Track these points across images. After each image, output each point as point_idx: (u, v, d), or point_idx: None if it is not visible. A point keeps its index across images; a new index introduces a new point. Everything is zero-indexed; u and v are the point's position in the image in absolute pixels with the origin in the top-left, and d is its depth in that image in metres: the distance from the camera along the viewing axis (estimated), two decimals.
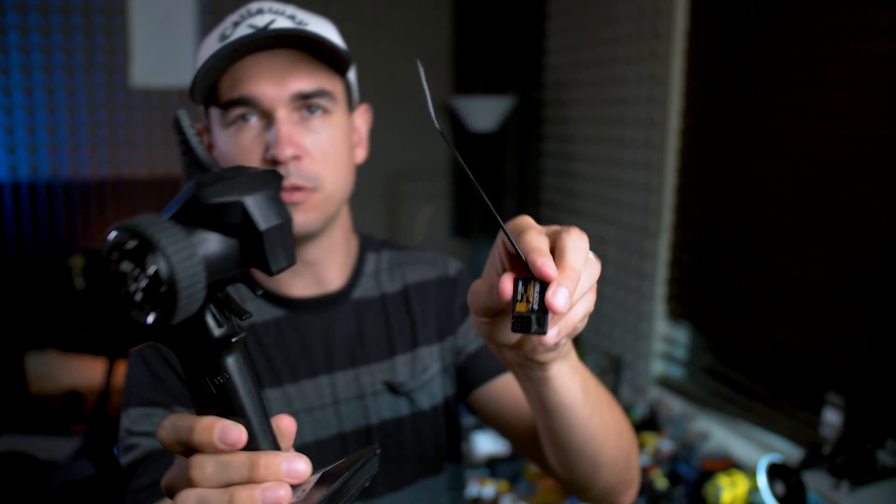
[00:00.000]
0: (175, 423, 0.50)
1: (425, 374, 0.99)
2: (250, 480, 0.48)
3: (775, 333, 2.09)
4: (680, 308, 2.50)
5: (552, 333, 0.53)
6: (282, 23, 0.89)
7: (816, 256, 1.95)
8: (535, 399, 0.70)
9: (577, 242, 0.54)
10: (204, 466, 0.48)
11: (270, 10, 0.90)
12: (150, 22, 3.15)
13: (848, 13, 1.85)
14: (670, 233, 2.50)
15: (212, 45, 0.90)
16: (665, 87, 2.44)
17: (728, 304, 2.26)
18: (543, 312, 0.52)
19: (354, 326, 0.98)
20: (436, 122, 0.53)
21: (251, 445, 0.49)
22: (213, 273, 0.43)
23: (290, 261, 0.46)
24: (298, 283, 0.97)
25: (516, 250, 0.54)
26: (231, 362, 0.47)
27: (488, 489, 2.08)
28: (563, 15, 3.06)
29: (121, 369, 2.64)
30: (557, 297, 0.51)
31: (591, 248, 0.56)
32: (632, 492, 0.88)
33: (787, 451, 2.04)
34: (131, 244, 0.41)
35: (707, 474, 2.00)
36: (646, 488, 2.04)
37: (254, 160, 0.88)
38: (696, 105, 2.37)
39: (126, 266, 0.41)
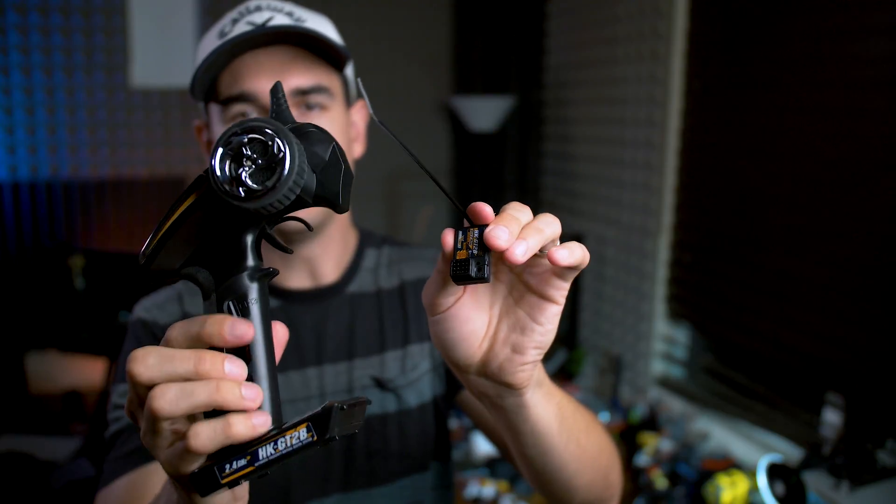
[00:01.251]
0: (187, 323, 0.51)
1: (415, 371, 0.99)
2: (196, 373, 0.49)
3: (775, 333, 2.09)
4: (680, 308, 2.49)
5: (520, 249, 0.50)
6: (280, 20, 0.90)
7: (816, 256, 1.95)
8: (509, 430, 0.67)
9: (515, 203, 0.54)
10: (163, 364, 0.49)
11: (269, 8, 0.91)
12: (150, 22, 3.15)
13: (848, 13, 1.85)
14: (670, 233, 2.50)
15: (211, 41, 0.91)
16: (665, 87, 2.44)
17: (728, 304, 2.26)
18: (483, 254, 0.51)
19: (347, 320, 0.98)
20: (374, 115, 0.56)
21: (253, 376, 0.51)
22: (301, 187, 0.50)
23: (348, 207, 0.53)
24: (293, 276, 0.97)
25: (455, 204, 0.54)
26: (259, 290, 0.53)
27: (488, 489, 2.08)
28: (563, 15, 3.06)
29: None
30: (496, 231, 0.50)
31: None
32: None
33: (787, 451, 2.04)
34: (268, 128, 0.49)
35: (707, 474, 2.00)
36: (646, 488, 2.04)
37: None
38: (696, 105, 2.37)
39: (250, 145, 0.49)
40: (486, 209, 0.52)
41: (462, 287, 0.57)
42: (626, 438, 2.30)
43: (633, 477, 2.11)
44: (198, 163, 3.23)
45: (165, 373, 0.49)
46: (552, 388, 0.67)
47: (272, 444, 0.49)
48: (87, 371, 2.84)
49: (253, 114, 0.88)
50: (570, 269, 0.54)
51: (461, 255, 0.52)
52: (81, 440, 2.49)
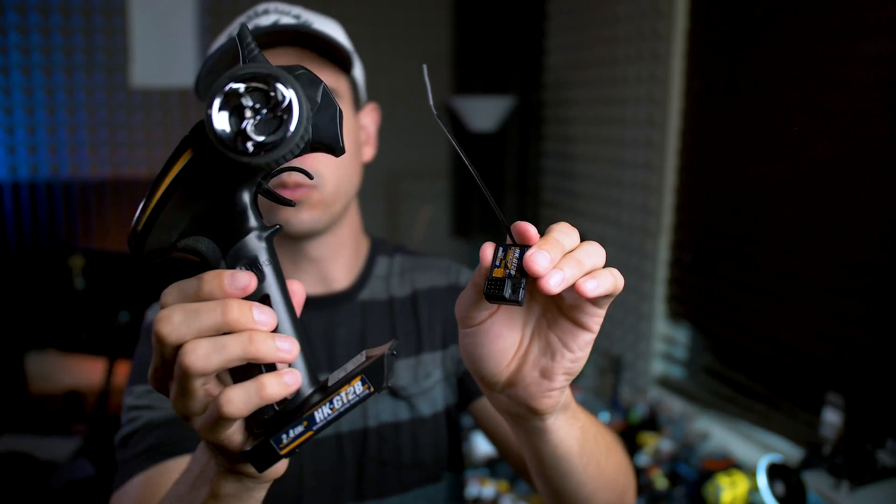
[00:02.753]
0: (181, 283, 0.49)
1: (427, 380, 0.98)
2: (226, 323, 0.47)
3: (775, 333, 2.08)
4: (680, 308, 2.49)
5: (555, 280, 0.48)
6: (286, 22, 0.90)
7: (816, 256, 1.95)
8: (528, 448, 0.66)
9: (564, 226, 0.53)
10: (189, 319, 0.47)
11: (276, 11, 0.92)
12: (150, 22, 3.15)
13: (848, 13, 1.85)
14: (670, 233, 2.50)
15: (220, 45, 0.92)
16: (665, 87, 2.44)
17: (728, 304, 2.26)
18: (520, 277, 0.50)
19: (358, 327, 0.97)
20: (441, 125, 0.54)
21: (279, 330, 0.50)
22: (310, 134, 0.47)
23: (344, 149, 0.50)
24: (304, 281, 0.96)
25: (501, 220, 0.53)
26: (268, 250, 0.50)
27: (488, 489, 2.08)
28: (563, 15, 3.06)
29: (121, 369, 2.64)
30: (536, 256, 0.48)
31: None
32: None
33: (787, 451, 2.03)
34: (270, 76, 0.45)
35: (707, 474, 2.00)
36: (646, 488, 2.04)
37: None
38: (696, 105, 2.37)
39: (251, 96, 0.45)
40: (530, 230, 0.51)
41: None
42: (626, 438, 2.30)
43: (633, 477, 2.10)
44: None
45: (193, 329, 0.46)
46: (577, 410, 0.66)
47: (327, 404, 0.47)
48: (87, 371, 2.84)
49: None
50: (605, 297, 0.53)
51: (498, 272, 0.51)
52: (81, 440, 2.50)
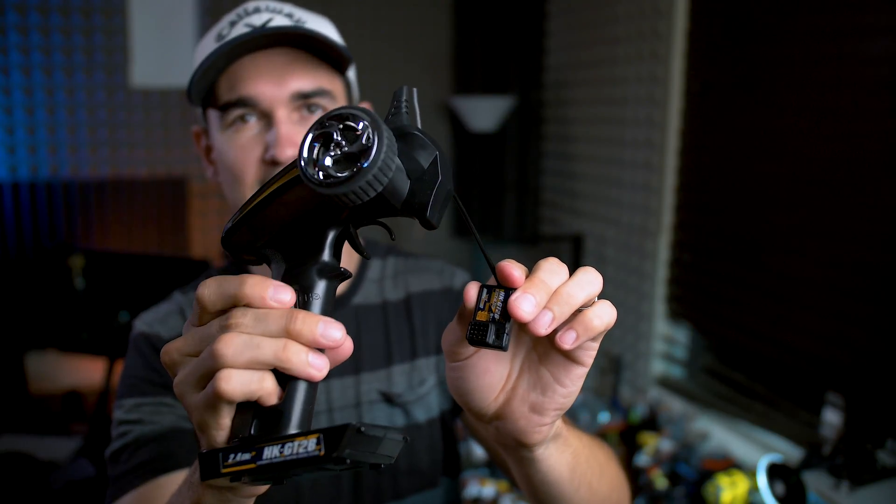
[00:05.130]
0: (222, 279, 0.49)
1: (422, 386, 0.97)
2: (286, 331, 0.47)
3: (775, 333, 2.08)
4: (680, 308, 2.49)
5: (543, 321, 0.47)
6: (280, 21, 0.88)
7: (816, 256, 1.95)
8: (519, 475, 0.65)
9: (551, 264, 0.51)
10: (245, 314, 0.47)
11: (268, 9, 0.89)
12: (150, 22, 3.15)
13: (847, 13, 1.85)
14: (670, 233, 2.50)
15: (209, 45, 0.89)
16: (665, 87, 2.44)
17: (728, 304, 2.26)
18: (504, 321, 0.48)
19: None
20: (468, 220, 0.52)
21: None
22: (386, 187, 0.48)
23: (438, 223, 0.50)
24: None
25: (486, 259, 0.52)
26: (325, 288, 0.51)
27: (488, 489, 2.08)
28: (563, 15, 3.06)
29: (121, 369, 2.63)
30: (521, 301, 0.47)
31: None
32: None
33: (787, 451, 2.03)
34: (362, 117, 0.47)
35: (707, 474, 2.00)
36: (646, 488, 2.04)
37: (253, 161, 0.86)
38: (696, 105, 2.37)
39: (342, 132, 0.47)
40: (514, 272, 0.49)
41: None
42: (626, 438, 2.30)
43: (633, 477, 2.11)
44: (198, 163, 3.22)
45: (259, 330, 0.47)
46: (569, 436, 0.64)
47: (279, 446, 0.46)
48: (87, 371, 2.84)
49: (252, 118, 0.86)
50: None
51: (482, 315, 0.49)
52: (81, 440, 2.49)
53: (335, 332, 0.47)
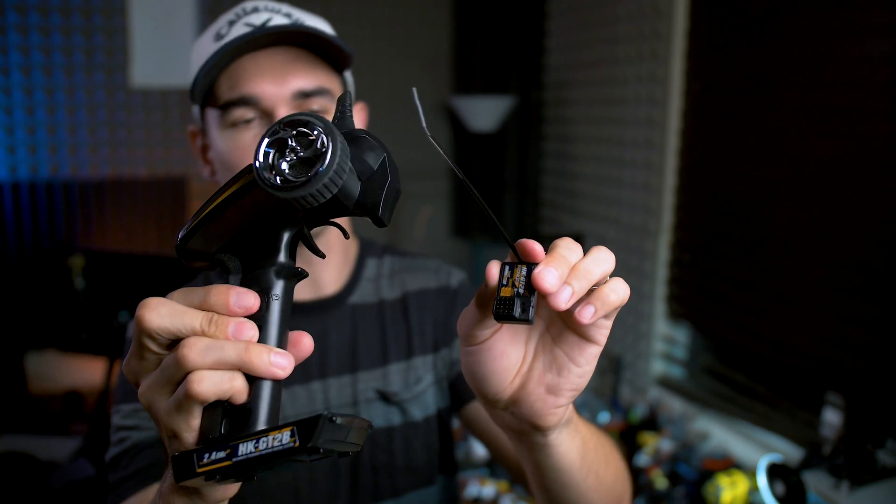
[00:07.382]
0: (188, 288, 0.51)
1: (419, 384, 0.97)
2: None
3: (775, 333, 2.08)
4: (680, 308, 2.49)
5: (564, 295, 0.49)
6: (279, 20, 0.88)
7: (817, 257, 1.95)
8: (529, 462, 0.66)
9: (567, 241, 0.53)
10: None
11: (266, 9, 0.89)
12: (150, 22, 3.15)
13: (848, 13, 1.85)
14: (670, 233, 2.50)
15: (207, 44, 0.89)
16: (665, 87, 2.44)
17: (728, 304, 2.26)
18: (529, 295, 0.50)
19: (349, 332, 0.96)
20: (433, 141, 0.53)
21: None
22: (340, 189, 0.50)
23: (389, 221, 0.52)
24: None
25: (505, 237, 0.53)
26: (284, 288, 0.53)
27: (488, 489, 2.08)
28: (563, 15, 3.06)
29: (118, 371, 2.63)
30: (545, 273, 0.48)
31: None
32: None
33: (787, 451, 2.03)
34: (315, 123, 0.49)
35: (707, 474, 2.00)
36: (646, 488, 2.04)
37: None
38: (696, 105, 2.37)
39: (296, 138, 0.49)
40: (536, 247, 0.51)
41: None
42: (626, 438, 2.30)
43: (633, 477, 2.11)
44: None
45: (187, 326, 0.49)
46: (579, 422, 0.65)
47: (253, 441, 0.48)
48: (87, 371, 2.84)
49: (253, 117, 0.86)
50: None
51: (506, 291, 0.50)
52: (81, 440, 2.49)
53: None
